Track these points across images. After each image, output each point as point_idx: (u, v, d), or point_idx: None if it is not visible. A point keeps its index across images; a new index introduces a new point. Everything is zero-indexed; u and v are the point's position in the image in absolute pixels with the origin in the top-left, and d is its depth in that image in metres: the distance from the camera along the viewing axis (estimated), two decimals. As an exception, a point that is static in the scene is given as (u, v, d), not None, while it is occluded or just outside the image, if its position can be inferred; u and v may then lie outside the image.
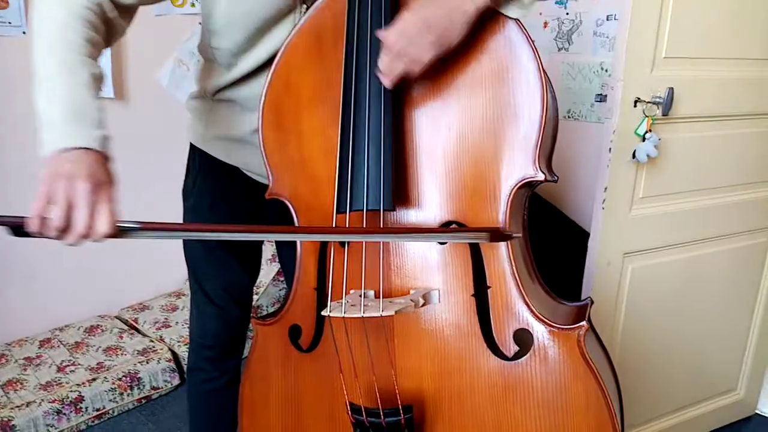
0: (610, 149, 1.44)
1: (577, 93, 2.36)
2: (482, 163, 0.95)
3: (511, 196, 0.94)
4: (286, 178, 1.05)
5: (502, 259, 0.95)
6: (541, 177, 0.93)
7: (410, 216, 0.99)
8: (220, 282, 1.30)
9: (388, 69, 0.91)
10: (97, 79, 0.89)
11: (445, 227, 0.98)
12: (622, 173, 1.47)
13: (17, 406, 1.92)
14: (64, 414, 1.97)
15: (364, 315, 0.90)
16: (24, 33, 2.18)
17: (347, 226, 0.97)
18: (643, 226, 1.55)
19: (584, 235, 1.59)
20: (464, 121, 0.95)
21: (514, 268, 0.95)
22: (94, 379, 2.09)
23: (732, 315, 1.83)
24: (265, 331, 1.12)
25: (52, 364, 2.17)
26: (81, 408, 2.01)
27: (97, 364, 2.18)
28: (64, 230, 0.77)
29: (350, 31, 0.96)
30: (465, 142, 0.95)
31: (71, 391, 2.02)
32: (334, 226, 0.99)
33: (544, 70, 0.93)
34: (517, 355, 0.95)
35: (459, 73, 0.95)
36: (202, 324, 1.34)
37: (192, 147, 1.28)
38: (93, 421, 2.05)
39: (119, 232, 0.78)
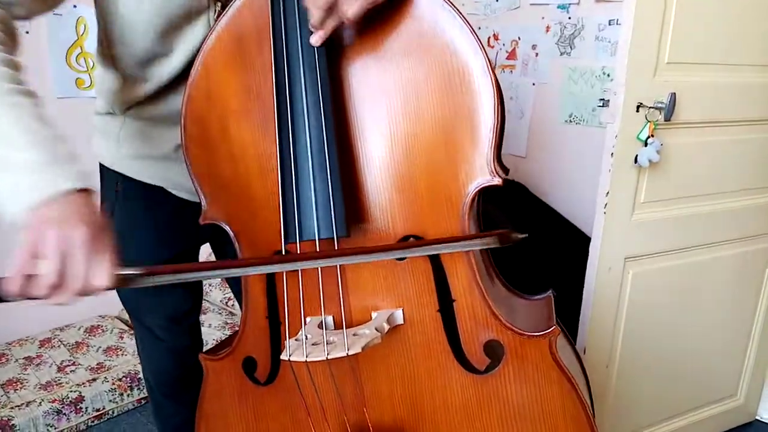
0: (612, 154, 1.44)
1: (579, 97, 2.37)
2: (435, 172, 0.89)
3: (469, 203, 0.89)
4: (221, 200, 0.96)
5: (465, 268, 0.90)
6: (497, 181, 0.87)
7: (367, 235, 0.91)
8: (162, 313, 1.20)
9: (320, 23, 0.83)
10: (40, 104, 0.75)
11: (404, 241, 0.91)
12: (624, 178, 1.47)
13: (17, 406, 1.92)
14: (64, 414, 1.97)
15: (329, 357, 0.83)
16: (27, 33, 2.18)
17: (299, 253, 0.88)
18: (645, 231, 1.55)
19: (585, 240, 1.59)
20: (412, 127, 0.89)
21: (477, 277, 0.90)
22: (94, 380, 2.09)
23: (733, 320, 1.83)
24: (215, 367, 1.03)
25: (52, 364, 2.17)
26: (81, 408, 2.01)
27: (98, 364, 2.18)
28: (56, 287, 0.66)
29: (277, 33, 0.87)
30: (416, 151, 0.89)
31: (71, 391, 2.02)
32: (284, 252, 0.89)
33: (492, 67, 0.87)
34: (489, 368, 0.91)
35: (402, 75, 0.88)
36: (153, 363, 1.26)
37: (104, 169, 1.13)
38: (93, 422, 2.05)
39: (122, 282, 0.69)
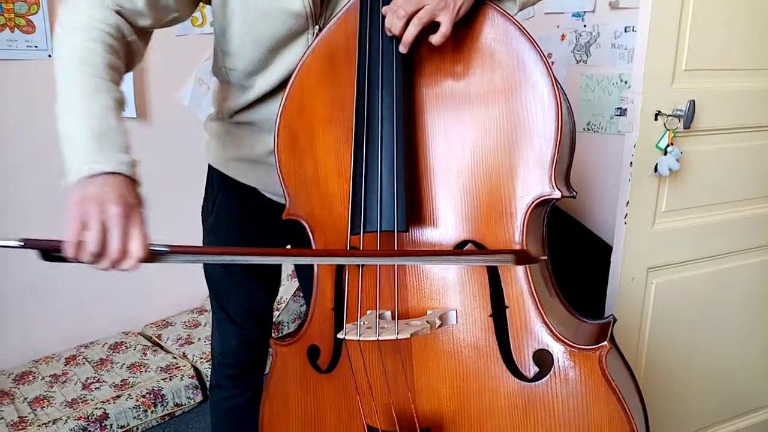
0: (631, 163, 1.42)
1: (596, 105, 2.35)
2: (497, 181, 0.94)
3: (528, 215, 0.93)
4: (302, 198, 1.06)
5: (519, 277, 0.94)
6: (557, 195, 0.92)
7: (425, 236, 0.98)
8: (240, 302, 1.31)
9: (399, 29, 0.91)
10: (120, 103, 0.89)
11: (461, 248, 0.96)
12: (645, 187, 1.45)
13: (44, 424, 1.95)
14: (90, 431, 1.99)
15: (380, 338, 0.90)
16: (49, 56, 2.23)
17: (361, 247, 0.96)
18: (667, 241, 1.52)
19: (607, 250, 1.57)
20: (478, 138, 0.94)
21: (532, 286, 0.94)
22: (118, 396, 2.11)
23: (760, 329, 1.79)
24: (283, 352, 1.12)
25: (77, 382, 2.20)
26: (106, 425, 2.03)
27: (122, 381, 2.20)
28: (98, 255, 0.77)
29: (362, 50, 0.97)
30: (479, 160, 0.95)
31: (96, 409, 2.04)
32: (348, 247, 0.98)
33: (558, 84, 0.91)
34: (538, 377, 0.93)
35: (471, 90, 0.95)
36: (223, 343, 1.36)
37: (210, 168, 1.30)
38: (117, 439, 2.07)
39: (151, 255, 0.78)
